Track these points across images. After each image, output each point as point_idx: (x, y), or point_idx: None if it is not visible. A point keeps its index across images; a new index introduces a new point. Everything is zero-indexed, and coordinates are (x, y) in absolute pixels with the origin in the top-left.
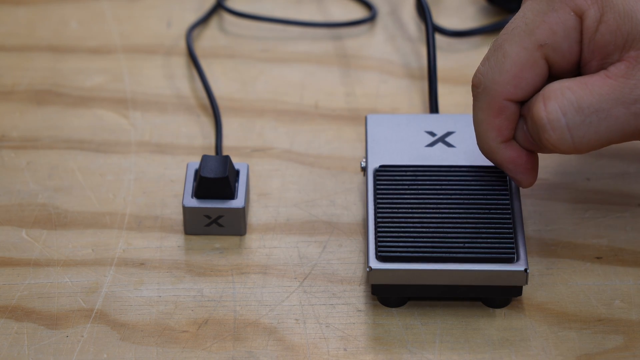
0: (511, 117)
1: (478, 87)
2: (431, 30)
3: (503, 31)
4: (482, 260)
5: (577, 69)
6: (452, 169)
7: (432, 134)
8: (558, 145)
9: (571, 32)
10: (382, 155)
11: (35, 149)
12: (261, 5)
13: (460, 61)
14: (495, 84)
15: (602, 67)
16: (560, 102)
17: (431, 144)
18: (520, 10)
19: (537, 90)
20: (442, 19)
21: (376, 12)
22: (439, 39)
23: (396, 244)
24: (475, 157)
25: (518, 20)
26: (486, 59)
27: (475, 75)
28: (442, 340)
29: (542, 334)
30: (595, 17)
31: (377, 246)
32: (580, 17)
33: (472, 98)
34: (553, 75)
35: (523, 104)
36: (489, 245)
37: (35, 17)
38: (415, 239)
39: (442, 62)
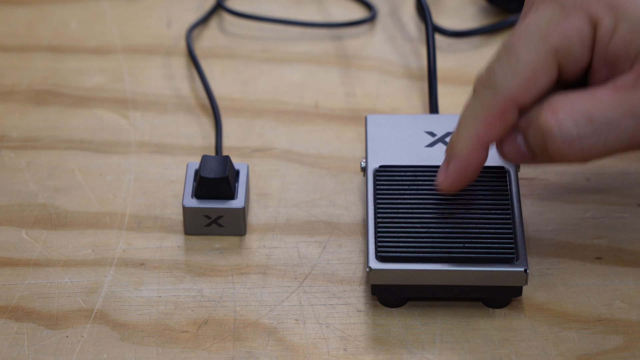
0: (508, 123)
1: (485, 84)
2: (431, 30)
3: (514, 34)
4: (482, 261)
5: (583, 76)
6: None
7: (432, 134)
8: (566, 155)
9: (585, 39)
10: (382, 155)
11: (35, 149)
12: (261, 5)
13: (460, 61)
14: (506, 84)
15: (611, 76)
16: (570, 112)
17: (431, 144)
18: (531, 13)
19: (542, 97)
20: (442, 19)
21: (376, 12)
22: (439, 39)
23: (396, 244)
24: None
25: (531, 24)
26: (496, 59)
27: (483, 72)
28: (442, 340)
29: (542, 334)
30: (610, 26)
31: (377, 246)
32: (594, 24)
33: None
34: (559, 81)
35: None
36: (489, 245)
37: (35, 17)
38: (415, 239)
39: (442, 63)
